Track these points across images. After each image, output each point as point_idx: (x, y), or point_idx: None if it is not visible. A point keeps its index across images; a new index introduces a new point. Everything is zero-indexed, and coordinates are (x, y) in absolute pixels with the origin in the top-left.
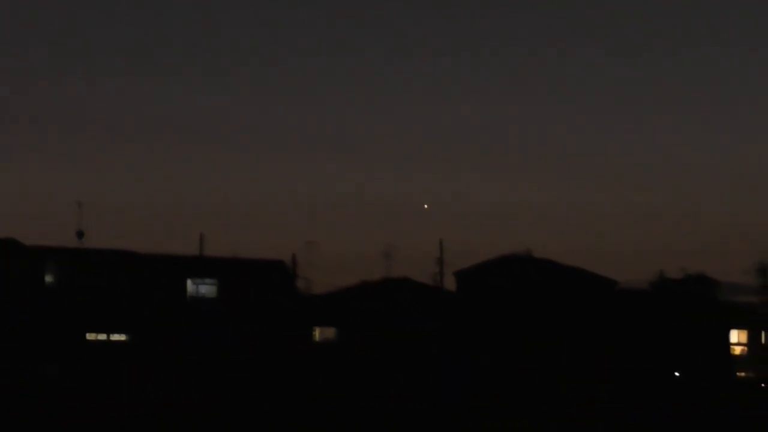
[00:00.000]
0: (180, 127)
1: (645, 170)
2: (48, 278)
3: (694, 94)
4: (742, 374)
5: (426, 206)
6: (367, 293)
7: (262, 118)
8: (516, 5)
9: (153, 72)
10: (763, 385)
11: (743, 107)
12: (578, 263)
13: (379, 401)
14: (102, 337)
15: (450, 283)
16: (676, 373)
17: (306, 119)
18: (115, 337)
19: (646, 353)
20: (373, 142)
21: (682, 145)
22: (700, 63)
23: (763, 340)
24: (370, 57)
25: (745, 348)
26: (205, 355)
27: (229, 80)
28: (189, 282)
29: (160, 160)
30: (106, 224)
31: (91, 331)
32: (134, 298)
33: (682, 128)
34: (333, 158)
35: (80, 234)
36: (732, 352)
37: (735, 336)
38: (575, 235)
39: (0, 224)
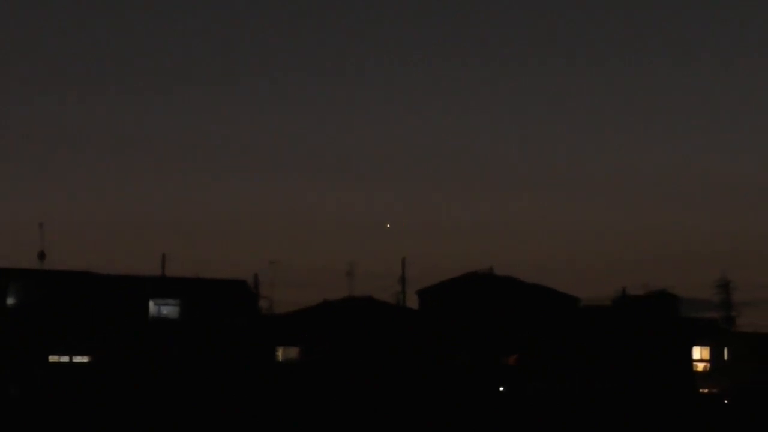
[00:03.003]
0: (141, 146)
1: (607, 185)
2: (9, 300)
3: (658, 105)
4: (706, 390)
5: (389, 225)
6: (330, 312)
7: (224, 135)
8: (474, 19)
9: (114, 90)
10: (726, 401)
11: (707, 120)
12: (541, 280)
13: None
14: (65, 358)
15: (413, 302)
16: (636, 390)
17: (268, 136)
18: (78, 358)
19: (608, 370)
20: (335, 158)
21: (644, 159)
22: (664, 73)
23: (725, 356)
24: (331, 72)
25: (708, 364)
26: (168, 377)
27: (189, 97)
28: (151, 303)
29: (122, 178)
30: (68, 244)
31: (53, 353)
32: (96, 320)
33: (644, 141)
34: (296, 176)
35: (41, 255)
36: (695, 368)
37: (698, 352)
38: (538, 252)
39: None
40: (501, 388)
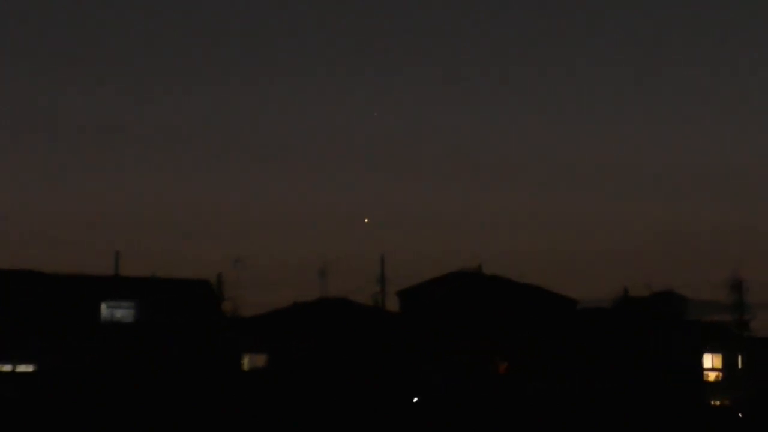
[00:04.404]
0: (93, 134)
1: (607, 177)
2: None
3: (664, 94)
4: (717, 402)
5: (366, 220)
6: (302, 315)
7: (184, 124)
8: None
9: (66, 78)
10: (740, 414)
11: (718, 111)
12: (534, 280)
13: None
14: (7, 367)
15: (393, 304)
16: (638, 402)
17: (235, 125)
18: (22, 367)
19: (607, 381)
20: (306, 147)
21: (647, 150)
22: (669, 63)
23: (740, 365)
24: (304, 61)
25: (720, 373)
26: (121, 387)
27: (149, 86)
28: (103, 305)
29: (72, 168)
30: (10, 240)
31: None
32: (42, 325)
33: (647, 131)
34: (263, 165)
35: None
36: (705, 378)
37: (708, 360)
38: (531, 249)
39: None
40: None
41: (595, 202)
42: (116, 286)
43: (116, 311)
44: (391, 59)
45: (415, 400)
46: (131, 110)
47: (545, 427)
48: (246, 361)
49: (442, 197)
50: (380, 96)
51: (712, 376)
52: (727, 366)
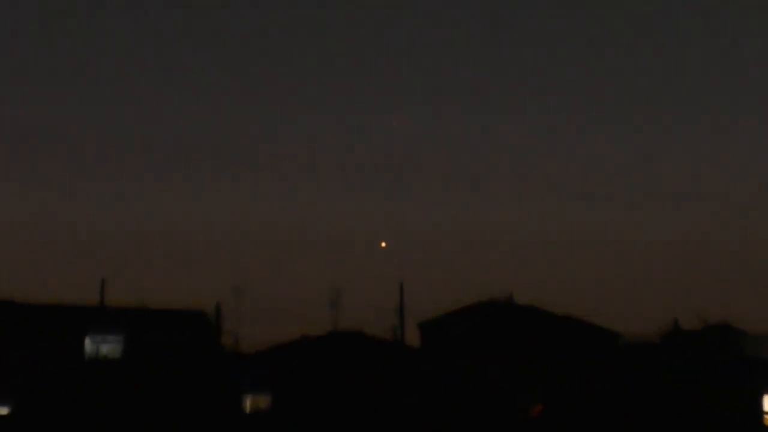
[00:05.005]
0: (79, 150)
1: (653, 195)
2: None
3: (709, 105)
4: None
5: (383, 244)
6: (310, 351)
7: (177, 135)
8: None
9: (55, 93)
10: None
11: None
12: (573, 311)
13: None
14: None
15: (413, 337)
16: None
17: (235, 137)
18: None
19: (655, 423)
20: (317, 163)
21: (697, 163)
22: (718, 72)
23: None
24: (312, 71)
25: None
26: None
27: (145, 98)
28: (87, 339)
29: (55, 187)
30: None
31: None
32: (19, 361)
33: (698, 141)
34: (268, 184)
35: None
36: (766, 422)
37: None
38: (568, 277)
39: None
40: None
41: (641, 223)
42: (101, 318)
43: (102, 346)
44: (408, 68)
45: None
46: (119, 128)
47: None
48: (248, 403)
49: (468, 218)
50: (399, 105)
51: None
52: None
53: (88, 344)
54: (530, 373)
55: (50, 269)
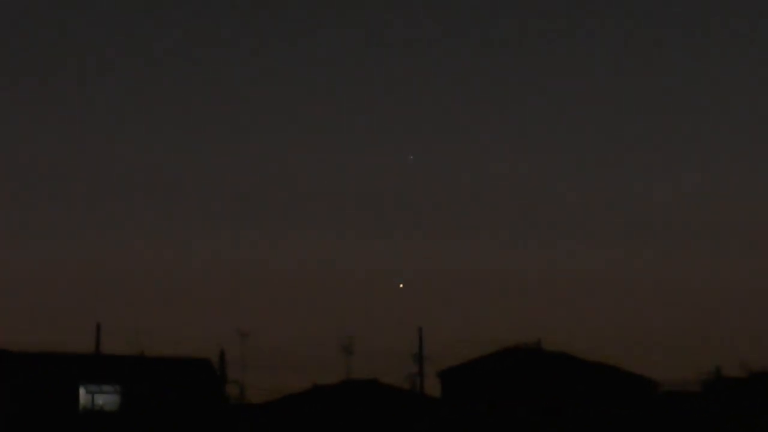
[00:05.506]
0: (68, 180)
1: (692, 233)
2: None
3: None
4: None
5: (401, 285)
6: (323, 401)
7: (177, 173)
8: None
9: (46, 124)
10: None
11: None
12: (606, 358)
13: None
14: None
15: (433, 386)
16: None
17: (240, 175)
18: None
19: None
20: (329, 201)
21: (736, 201)
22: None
23: None
24: (322, 105)
25: None
26: None
27: (143, 129)
28: (82, 389)
29: (44, 224)
30: None
31: None
32: (9, 414)
33: (738, 176)
34: (276, 223)
35: None
36: None
37: None
38: (601, 321)
39: None
40: None
41: (680, 264)
42: (97, 367)
43: (97, 396)
44: (429, 98)
45: None
46: (116, 170)
47: None
48: None
49: (492, 258)
50: (415, 139)
51: None
52: None
53: (83, 395)
54: (561, 424)
55: (41, 314)
